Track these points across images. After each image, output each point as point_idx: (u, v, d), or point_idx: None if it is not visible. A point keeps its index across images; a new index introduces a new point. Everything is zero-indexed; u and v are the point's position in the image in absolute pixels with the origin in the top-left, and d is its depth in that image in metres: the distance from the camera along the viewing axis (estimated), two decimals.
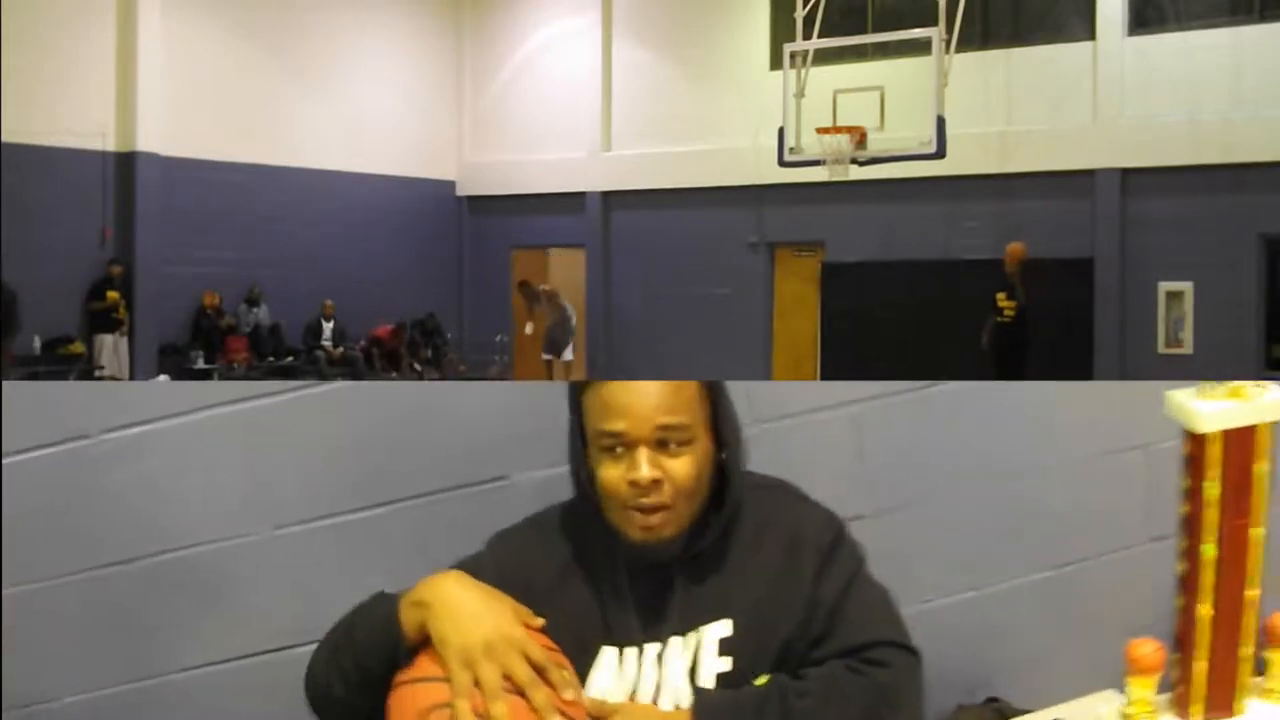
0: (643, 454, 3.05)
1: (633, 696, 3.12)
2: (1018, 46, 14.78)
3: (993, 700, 4.36)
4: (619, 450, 3.07)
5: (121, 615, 4.11)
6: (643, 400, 3.05)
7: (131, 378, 14.84)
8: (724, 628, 3.14)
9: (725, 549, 3.19)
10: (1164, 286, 13.87)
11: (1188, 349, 13.71)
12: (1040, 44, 14.68)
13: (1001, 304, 12.47)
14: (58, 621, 4.11)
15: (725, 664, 3.11)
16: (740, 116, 16.26)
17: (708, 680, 3.10)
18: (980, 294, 12.91)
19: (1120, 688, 3.32)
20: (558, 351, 16.82)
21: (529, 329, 17.24)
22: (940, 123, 12.24)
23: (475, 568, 3.22)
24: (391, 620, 2.98)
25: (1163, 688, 3.28)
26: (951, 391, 4.20)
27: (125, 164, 15.32)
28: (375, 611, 3.05)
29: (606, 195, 17.70)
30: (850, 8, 15.12)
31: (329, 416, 4.00)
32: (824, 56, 13.81)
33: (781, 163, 13.45)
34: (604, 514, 3.14)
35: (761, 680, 3.06)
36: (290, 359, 16.62)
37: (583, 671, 3.13)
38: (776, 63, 14.54)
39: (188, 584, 4.08)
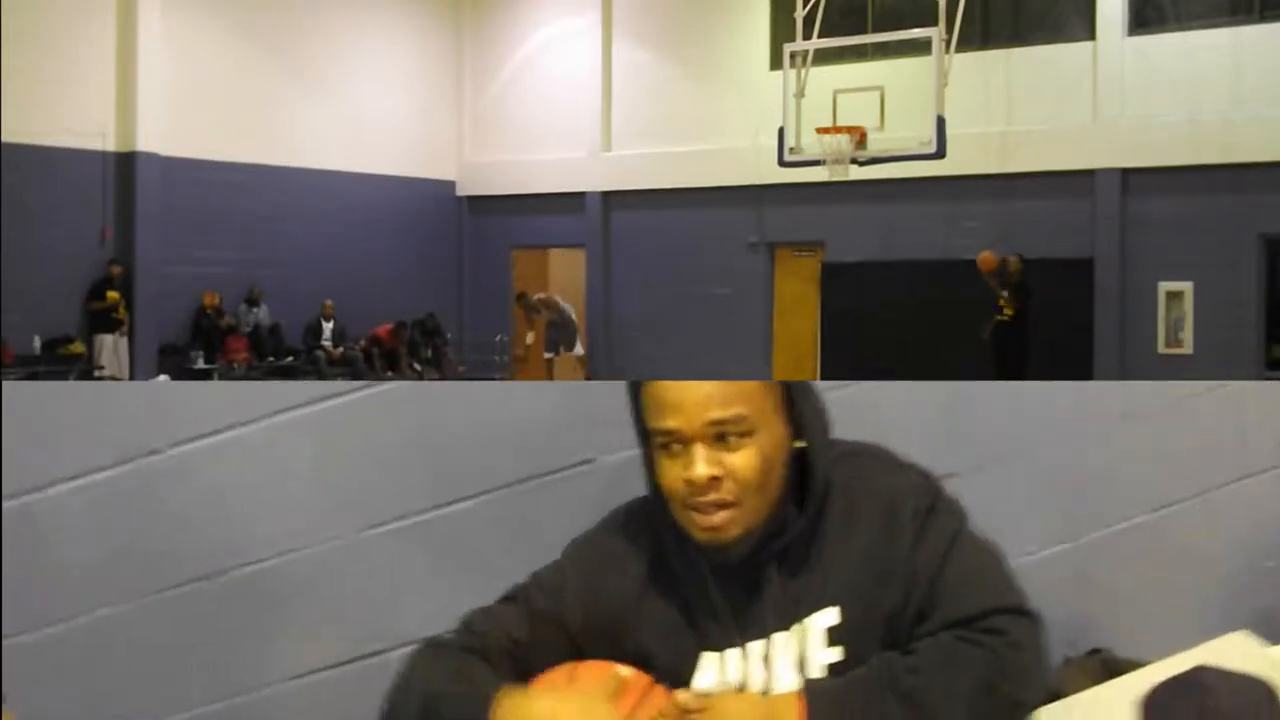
0: (698, 451, 2.94)
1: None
2: (1018, 46, 14.77)
3: (1096, 652, 4.21)
4: (675, 448, 2.98)
5: (207, 633, 4.03)
6: (693, 395, 2.94)
7: (131, 378, 14.84)
8: (829, 616, 3.01)
9: (817, 532, 3.05)
10: (1164, 286, 13.86)
11: (1188, 349, 13.70)
12: (1040, 44, 14.68)
13: (1002, 303, 12.55)
14: (146, 643, 4.04)
15: (835, 654, 2.98)
16: (740, 116, 16.25)
17: (817, 672, 2.97)
18: (980, 294, 12.95)
19: (1241, 629, 3.18)
20: (559, 349, 16.87)
21: (529, 339, 17.29)
22: (940, 123, 12.24)
23: (557, 583, 3.15)
24: None
25: None
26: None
27: (125, 164, 15.31)
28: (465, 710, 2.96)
29: (606, 195, 17.70)
30: (850, 8, 15.11)
31: (392, 417, 3.93)
32: (824, 56, 13.81)
33: (781, 163, 13.45)
34: (672, 514, 3.05)
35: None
36: (290, 359, 16.62)
37: (685, 675, 3.03)
38: (776, 63, 14.53)
39: (270, 595, 4.01)
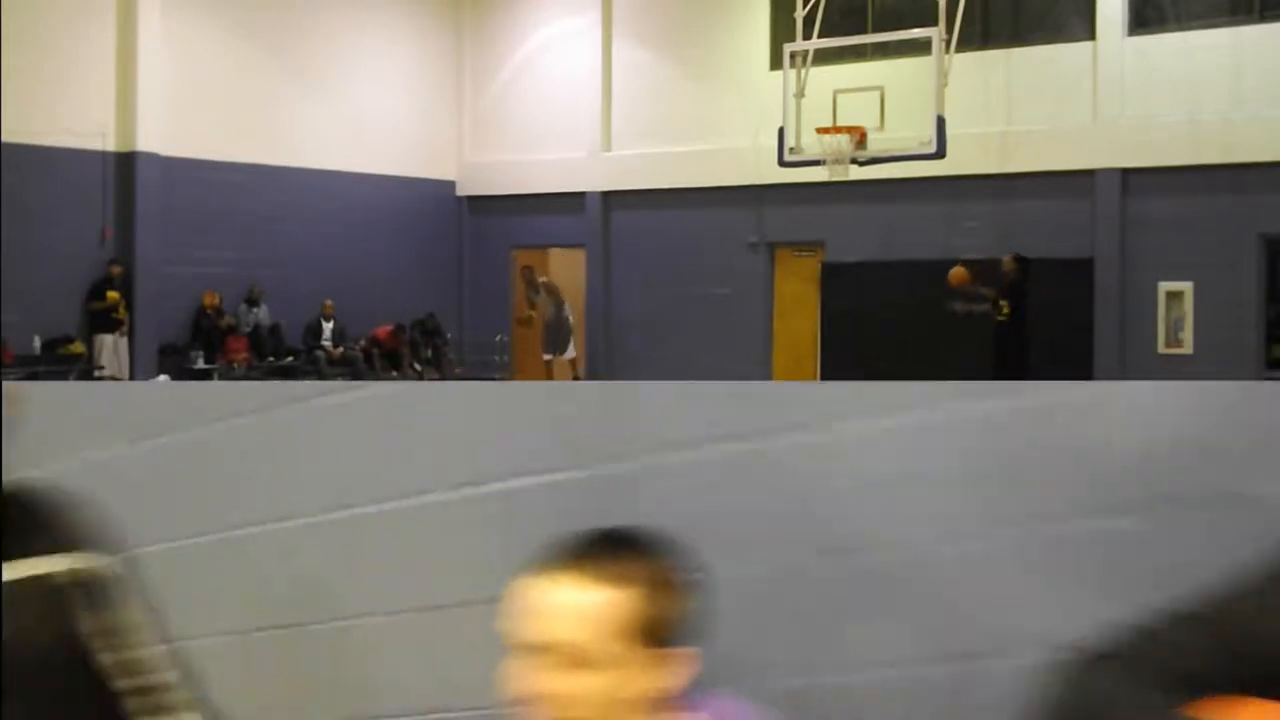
0: None
1: None
2: (1018, 46, 14.78)
3: None
4: None
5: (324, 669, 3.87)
6: None
7: (131, 378, 14.84)
8: None
9: None
10: (1164, 286, 13.87)
11: (1188, 349, 13.71)
12: (1040, 44, 14.68)
13: (1001, 304, 12.54)
14: (252, 673, 3.93)
15: None
16: (740, 116, 16.26)
17: None
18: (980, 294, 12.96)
19: None
20: (556, 350, 16.88)
21: (530, 314, 17.33)
22: (940, 123, 12.24)
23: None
24: None
25: None
26: None
27: (125, 164, 15.32)
28: None
29: (606, 195, 17.70)
30: (850, 8, 15.12)
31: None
32: (824, 56, 13.81)
33: (781, 163, 13.45)
34: None
35: None
36: (290, 359, 16.63)
37: None
38: (776, 63, 14.54)
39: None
